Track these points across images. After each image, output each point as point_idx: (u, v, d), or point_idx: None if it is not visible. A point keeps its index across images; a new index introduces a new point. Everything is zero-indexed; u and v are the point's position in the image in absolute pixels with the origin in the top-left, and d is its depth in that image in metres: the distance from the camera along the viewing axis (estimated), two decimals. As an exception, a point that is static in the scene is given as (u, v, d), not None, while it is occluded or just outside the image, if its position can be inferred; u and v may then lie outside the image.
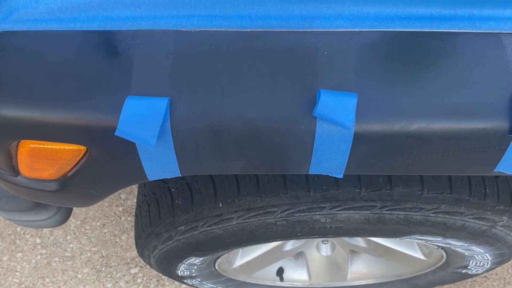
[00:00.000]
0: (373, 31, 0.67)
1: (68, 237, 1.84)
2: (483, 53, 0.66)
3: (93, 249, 1.82)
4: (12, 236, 1.84)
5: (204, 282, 1.39)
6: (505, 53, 0.66)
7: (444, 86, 0.64)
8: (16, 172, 0.76)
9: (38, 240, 1.83)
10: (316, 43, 0.66)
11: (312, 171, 0.71)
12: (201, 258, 1.15)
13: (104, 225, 1.87)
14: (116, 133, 0.62)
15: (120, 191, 1.94)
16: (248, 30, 0.67)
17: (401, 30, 0.67)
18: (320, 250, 1.44)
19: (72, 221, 1.87)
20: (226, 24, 0.67)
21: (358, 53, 0.66)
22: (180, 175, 0.72)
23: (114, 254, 1.81)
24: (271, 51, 0.66)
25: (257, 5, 0.67)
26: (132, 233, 1.85)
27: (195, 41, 0.66)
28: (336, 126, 0.63)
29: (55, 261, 1.79)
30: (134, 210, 1.91)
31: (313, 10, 0.67)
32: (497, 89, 0.64)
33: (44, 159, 0.72)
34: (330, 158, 0.68)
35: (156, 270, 1.31)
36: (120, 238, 1.84)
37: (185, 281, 1.37)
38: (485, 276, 1.75)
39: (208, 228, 0.99)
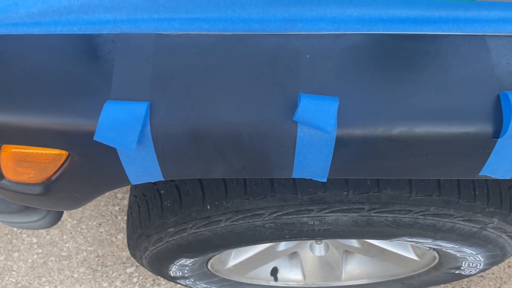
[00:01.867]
0: (356, 34, 0.66)
1: (65, 237, 1.85)
2: (468, 56, 0.65)
3: (89, 248, 1.82)
4: (9, 236, 1.84)
5: (198, 282, 1.39)
6: (490, 55, 0.65)
7: (427, 89, 0.64)
8: (0, 175, 0.76)
9: (35, 240, 1.84)
10: (299, 46, 0.66)
11: (295, 175, 0.71)
12: (192, 259, 1.15)
13: (100, 224, 1.87)
14: (95, 138, 0.61)
15: (116, 190, 1.94)
16: (230, 33, 0.66)
17: (385, 32, 0.67)
18: (314, 250, 1.44)
19: (68, 220, 1.87)
20: (207, 27, 0.66)
21: (341, 56, 0.65)
22: (163, 179, 0.71)
23: (110, 253, 1.81)
24: (253, 54, 0.65)
25: (238, 8, 0.67)
26: (126, 236, 1.85)
27: (176, 45, 0.66)
28: (317, 130, 0.63)
29: (52, 260, 1.80)
30: (130, 210, 1.91)
31: (295, 13, 0.66)
32: (481, 93, 0.64)
33: (27, 163, 0.71)
34: (312, 162, 0.67)
35: (149, 271, 1.31)
36: (116, 238, 1.85)
37: (178, 281, 1.37)
38: (481, 276, 1.74)
39: (197, 230, 0.98)
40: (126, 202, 1.93)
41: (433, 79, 0.64)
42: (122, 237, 1.85)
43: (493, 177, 0.70)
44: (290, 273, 1.54)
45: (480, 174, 0.70)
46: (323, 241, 1.40)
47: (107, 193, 1.94)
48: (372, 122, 0.63)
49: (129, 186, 1.95)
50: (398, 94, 0.63)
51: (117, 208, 1.91)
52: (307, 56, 0.65)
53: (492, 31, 0.67)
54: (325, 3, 0.67)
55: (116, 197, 1.93)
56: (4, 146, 0.69)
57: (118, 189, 1.95)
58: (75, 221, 1.88)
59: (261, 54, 0.65)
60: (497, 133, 0.63)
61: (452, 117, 0.63)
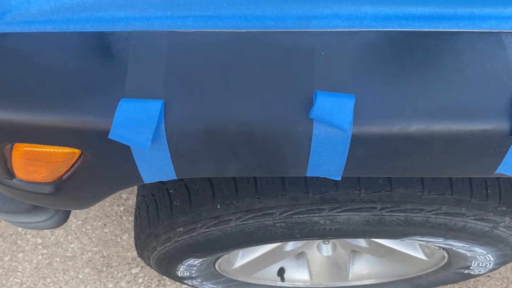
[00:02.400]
0: (371, 31, 0.66)
1: (69, 237, 1.84)
2: (483, 53, 0.65)
3: (94, 249, 1.81)
4: (14, 236, 1.84)
5: (205, 283, 1.38)
6: (506, 53, 0.65)
7: (443, 87, 0.63)
8: (11, 174, 0.75)
9: (39, 240, 1.83)
10: (313, 44, 0.65)
11: (310, 173, 0.70)
12: (201, 259, 1.15)
13: (105, 225, 1.87)
14: (110, 137, 0.61)
15: (121, 190, 1.94)
16: (244, 30, 0.66)
17: (400, 30, 0.66)
18: (321, 250, 1.43)
19: (73, 221, 1.87)
20: (221, 25, 0.66)
21: (356, 53, 0.65)
22: (176, 178, 0.71)
23: (115, 254, 1.81)
24: (267, 52, 0.65)
25: (252, 5, 0.66)
26: (133, 233, 1.84)
27: (190, 42, 0.65)
28: (333, 128, 0.62)
29: (56, 261, 1.79)
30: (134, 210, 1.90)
31: (310, 9, 0.66)
32: (498, 90, 0.63)
33: (39, 162, 0.71)
34: (327, 161, 0.67)
35: (156, 271, 1.30)
36: (121, 238, 1.84)
37: (186, 281, 1.36)
38: (488, 276, 1.74)
39: (207, 230, 0.98)
40: (131, 202, 1.92)
41: (449, 76, 0.64)
42: (127, 238, 1.84)
43: (509, 175, 0.70)
44: (297, 273, 1.53)
45: (496, 172, 0.69)
46: (331, 241, 1.39)
47: (112, 194, 1.93)
48: (389, 119, 0.62)
49: (135, 186, 1.94)
50: (415, 92, 0.63)
51: (122, 208, 1.91)
52: (322, 53, 0.65)
53: (508, 28, 0.66)
54: (339, 0, 0.66)
55: (121, 198, 1.93)
56: (16, 145, 0.69)
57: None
58: (80, 222, 1.87)
59: (275, 52, 0.65)
60: (514, 131, 0.63)
61: (468, 114, 0.63)
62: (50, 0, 0.66)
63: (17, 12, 0.66)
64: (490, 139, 0.64)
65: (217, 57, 0.65)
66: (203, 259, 1.14)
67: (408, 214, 0.91)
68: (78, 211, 1.90)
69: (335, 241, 1.37)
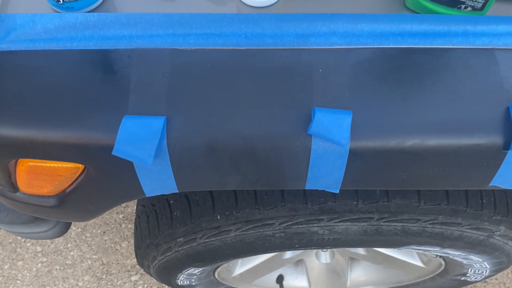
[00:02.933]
0: (367, 48, 0.68)
1: (69, 245, 1.85)
2: (477, 69, 0.67)
3: (94, 256, 1.82)
4: (13, 245, 1.84)
5: (204, 291, 1.40)
6: (499, 68, 0.67)
7: (438, 102, 0.65)
8: (15, 188, 0.77)
9: (39, 248, 1.84)
10: (311, 61, 0.67)
11: (309, 186, 0.72)
12: (201, 268, 1.16)
13: (104, 232, 1.87)
14: (113, 153, 0.62)
15: (120, 198, 1.95)
16: (244, 48, 0.68)
17: (395, 46, 0.68)
18: (320, 258, 1.45)
19: (72, 228, 1.88)
20: (222, 42, 0.68)
21: (353, 70, 0.66)
22: (178, 191, 0.72)
23: (114, 261, 1.81)
24: (267, 68, 0.66)
25: (252, 23, 0.68)
26: (133, 241, 1.85)
27: (191, 60, 0.67)
28: (331, 143, 0.64)
29: (56, 269, 1.80)
30: (134, 217, 1.91)
31: (307, 28, 0.68)
32: (491, 105, 0.65)
33: (43, 176, 0.72)
34: (326, 174, 0.68)
35: (156, 280, 1.31)
36: (120, 246, 1.85)
37: (185, 290, 1.37)
38: (485, 282, 1.75)
39: (207, 240, 0.99)
40: (130, 210, 1.93)
41: (444, 91, 0.65)
42: (126, 245, 1.85)
43: (502, 187, 0.72)
44: (295, 281, 1.55)
45: (490, 184, 0.71)
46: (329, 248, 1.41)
47: (111, 201, 1.94)
48: (385, 134, 0.64)
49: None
50: (410, 107, 0.65)
51: (121, 216, 1.92)
52: (320, 70, 0.66)
53: (501, 44, 0.68)
54: (336, 18, 0.68)
55: (120, 205, 1.94)
56: (20, 160, 0.70)
57: (122, 197, 1.95)
58: (79, 229, 1.88)
59: (274, 68, 0.67)
60: (507, 145, 0.64)
61: (463, 129, 0.64)
62: (54, 19, 0.68)
63: (22, 30, 0.67)
64: (484, 153, 0.65)
65: (218, 74, 0.66)
66: (203, 268, 1.15)
67: (405, 224, 0.93)
68: (77, 219, 1.90)
69: (334, 248, 1.39)
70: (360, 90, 0.65)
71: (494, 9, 0.71)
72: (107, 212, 1.91)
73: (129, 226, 1.90)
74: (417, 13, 0.71)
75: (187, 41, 0.67)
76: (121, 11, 0.70)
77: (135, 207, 1.93)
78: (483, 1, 0.66)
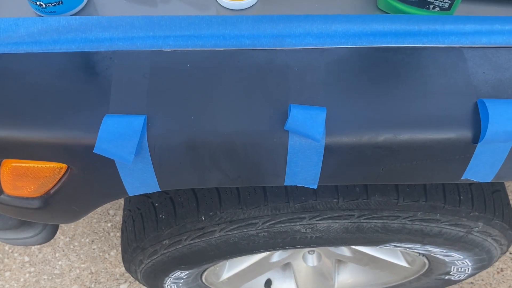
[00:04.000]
0: (341, 48, 0.70)
1: (57, 254, 1.84)
2: (446, 66, 0.70)
3: (82, 265, 1.82)
4: (0, 255, 1.83)
5: (192, 296, 1.40)
6: (467, 65, 0.70)
7: (409, 98, 0.67)
8: (-1, 190, 0.78)
9: (27, 258, 1.83)
10: (287, 60, 0.69)
11: (288, 182, 0.74)
12: (187, 272, 1.17)
13: (93, 241, 1.87)
14: (95, 151, 0.64)
15: (109, 206, 1.95)
16: (222, 49, 0.70)
17: (368, 46, 0.70)
18: (307, 261, 1.46)
19: (60, 238, 1.87)
20: (200, 44, 0.70)
21: (327, 68, 0.69)
22: (160, 190, 0.74)
23: (103, 270, 1.81)
24: (244, 68, 0.69)
25: (230, 25, 0.70)
26: (121, 250, 1.85)
27: (171, 60, 0.69)
28: (307, 139, 0.66)
29: (44, 279, 1.79)
30: (123, 226, 1.91)
31: (283, 29, 0.70)
32: (460, 100, 0.68)
33: (27, 177, 0.73)
34: (303, 170, 0.70)
35: (144, 285, 1.32)
36: (109, 254, 1.85)
37: (173, 295, 1.38)
38: (471, 282, 1.77)
39: (192, 242, 1.00)
40: (118, 218, 1.93)
41: (415, 88, 0.68)
42: (115, 254, 1.85)
43: (475, 180, 0.74)
44: (283, 285, 1.55)
45: (462, 178, 0.74)
46: (316, 251, 1.42)
47: (99, 210, 1.94)
48: (358, 130, 0.66)
49: (122, 201, 1.95)
50: (382, 103, 0.67)
51: (109, 224, 1.92)
52: (296, 69, 0.69)
53: (468, 43, 0.71)
54: (311, 20, 0.70)
55: (109, 214, 1.94)
56: (4, 161, 0.71)
57: (110, 205, 1.96)
58: (67, 239, 1.87)
59: (252, 68, 0.69)
60: (476, 138, 0.67)
61: (433, 123, 0.67)
62: (37, 22, 0.70)
63: (5, 34, 0.69)
64: (454, 147, 0.68)
65: (197, 74, 0.68)
66: (190, 271, 1.16)
67: (385, 221, 0.95)
68: (65, 227, 1.90)
69: (320, 251, 1.40)
70: (334, 88, 0.68)
71: (461, 10, 0.74)
72: (95, 221, 1.91)
73: (118, 234, 1.90)
74: (388, 13, 0.74)
75: (167, 42, 0.70)
76: (102, 15, 0.72)
77: (123, 216, 1.93)
78: (449, 1, 0.70)
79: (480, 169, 0.72)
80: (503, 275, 1.80)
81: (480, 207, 0.98)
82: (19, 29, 0.69)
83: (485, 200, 0.99)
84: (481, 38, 0.71)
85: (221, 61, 0.69)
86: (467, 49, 0.71)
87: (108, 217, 1.93)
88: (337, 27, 0.70)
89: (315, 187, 0.74)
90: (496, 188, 1.03)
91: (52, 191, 0.76)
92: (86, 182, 0.73)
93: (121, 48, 0.69)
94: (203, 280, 1.32)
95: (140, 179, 0.71)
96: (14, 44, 0.69)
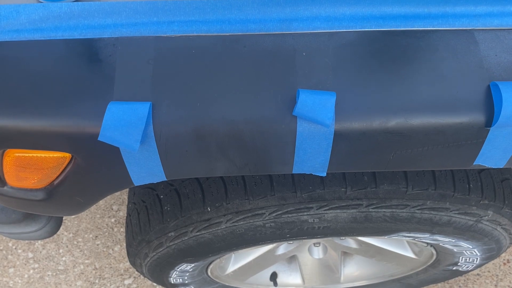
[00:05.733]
0: (349, 31, 0.69)
1: (61, 250, 1.83)
2: (457, 50, 0.68)
3: (86, 261, 1.81)
4: (4, 252, 1.82)
5: (198, 290, 1.39)
6: (478, 48, 0.68)
7: (420, 82, 0.66)
8: (2, 182, 0.76)
9: (31, 255, 1.82)
10: (295, 45, 0.68)
11: (296, 170, 0.72)
12: (193, 264, 1.15)
13: (96, 237, 1.86)
14: (99, 138, 0.62)
15: (112, 202, 1.94)
16: (228, 34, 0.68)
17: (377, 29, 0.69)
18: (313, 253, 1.45)
19: (64, 234, 1.86)
20: (205, 29, 0.68)
21: (336, 53, 0.67)
22: (166, 179, 0.73)
23: (107, 265, 1.80)
24: (251, 53, 0.67)
25: (235, 9, 0.69)
26: (125, 244, 1.84)
27: (175, 46, 0.67)
28: (316, 124, 0.64)
29: (48, 275, 1.78)
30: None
31: (290, 12, 0.69)
32: (472, 84, 0.66)
33: (30, 168, 0.72)
34: (312, 157, 0.69)
35: (149, 279, 1.30)
36: (113, 250, 1.84)
37: (179, 289, 1.37)
38: (477, 274, 1.76)
39: (198, 233, 0.99)
40: (121, 214, 1.92)
41: (425, 72, 0.66)
42: (119, 249, 1.84)
43: (487, 166, 0.72)
44: (289, 278, 1.54)
45: (474, 163, 0.72)
46: (321, 243, 1.41)
47: (102, 205, 1.93)
48: (369, 115, 0.65)
49: (126, 196, 1.94)
50: (393, 88, 0.65)
51: (113, 220, 1.91)
52: (303, 53, 0.67)
53: (480, 25, 0.69)
54: (319, 3, 0.69)
55: (112, 209, 1.93)
56: (7, 151, 0.70)
57: (114, 201, 1.95)
58: (71, 235, 1.87)
59: (259, 53, 0.67)
60: (489, 122, 0.65)
61: (445, 107, 0.65)
62: (38, 9, 0.68)
63: (6, 21, 0.67)
64: (467, 131, 0.66)
65: (202, 60, 0.67)
66: (195, 264, 1.15)
67: (393, 210, 0.93)
68: (69, 223, 1.89)
69: (326, 243, 1.39)
70: (343, 72, 0.66)
71: (472, -9, 0.72)
72: (99, 217, 1.90)
73: (121, 230, 1.89)
74: (397, -4, 0.72)
75: (171, 28, 0.68)
76: (105, 1, 0.70)
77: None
78: (460, -17, 0.68)
79: (493, 154, 0.70)
80: (509, 266, 1.78)
81: (489, 196, 0.96)
82: (20, 16, 0.68)
83: (494, 188, 0.97)
84: (493, 20, 0.69)
85: (227, 47, 0.67)
86: (478, 32, 0.69)
87: (112, 212, 1.92)
88: (345, 10, 0.69)
89: (324, 174, 0.72)
90: (505, 177, 1.02)
91: (56, 182, 0.75)
92: (90, 172, 0.72)
93: (125, 34, 0.68)
94: (209, 274, 1.31)
95: (146, 168, 0.69)
96: (15, 32, 0.68)
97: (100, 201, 1.93)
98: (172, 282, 1.28)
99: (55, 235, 1.84)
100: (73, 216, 1.91)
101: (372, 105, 0.65)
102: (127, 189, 1.91)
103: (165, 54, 0.67)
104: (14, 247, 1.84)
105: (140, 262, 1.17)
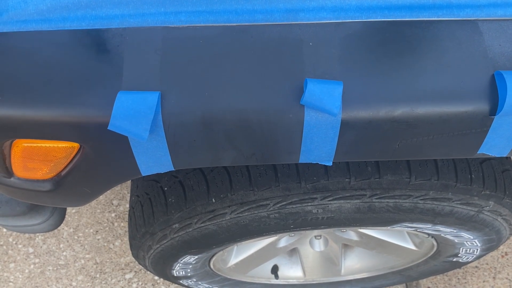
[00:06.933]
0: (355, 22, 0.69)
1: (61, 245, 1.84)
2: (462, 40, 0.69)
3: (87, 256, 1.81)
4: (4, 247, 1.82)
5: (200, 282, 1.40)
6: (483, 38, 0.69)
7: (425, 72, 0.67)
8: (9, 173, 0.77)
9: (31, 250, 1.82)
10: (301, 35, 0.68)
11: (302, 159, 0.73)
12: (196, 256, 1.16)
13: (97, 231, 1.87)
14: (109, 128, 0.63)
15: (112, 197, 1.94)
16: (235, 24, 0.69)
17: (383, 20, 0.70)
18: (314, 246, 1.46)
19: (64, 229, 1.87)
20: (213, 19, 0.69)
21: (342, 43, 0.68)
22: (173, 169, 0.73)
23: (108, 260, 1.81)
24: (258, 44, 0.68)
25: (242, -1, 0.69)
26: (126, 239, 1.85)
27: (183, 36, 0.68)
28: (323, 113, 0.65)
29: (49, 270, 1.79)
30: (127, 216, 1.91)
31: (297, 3, 0.69)
32: (476, 73, 0.67)
33: (38, 158, 0.72)
34: (319, 146, 0.70)
35: (152, 272, 1.31)
36: (113, 244, 1.84)
37: (181, 281, 1.37)
38: (476, 266, 1.78)
39: (202, 225, 1.00)
40: (122, 208, 1.93)
41: (430, 62, 0.67)
42: (119, 244, 1.84)
43: (490, 155, 0.73)
44: (290, 270, 1.55)
45: (478, 152, 0.73)
46: (322, 235, 1.42)
47: (103, 200, 1.94)
48: (375, 104, 0.65)
49: (126, 192, 1.95)
50: (399, 77, 0.66)
51: (113, 214, 1.91)
52: (310, 44, 0.68)
53: (484, 15, 0.70)
54: (325, -7, 0.69)
55: (112, 204, 1.93)
56: (16, 141, 0.70)
57: (114, 196, 1.95)
58: (71, 229, 1.87)
59: (265, 43, 0.68)
60: (493, 111, 0.66)
61: (450, 97, 0.66)
62: (46, 0, 0.68)
63: (14, 11, 0.68)
64: (471, 120, 0.67)
65: (210, 50, 0.67)
66: (199, 256, 1.16)
67: (397, 200, 0.94)
68: (69, 218, 1.89)
69: (327, 235, 1.40)
70: (350, 62, 0.67)
71: (476, -18, 0.73)
72: (99, 211, 1.90)
73: (122, 224, 1.89)
74: (402, -13, 0.73)
75: (178, 18, 0.68)
76: (112, -8, 0.70)
77: (127, 206, 1.93)
78: (465, -27, 0.69)
79: (497, 143, 0.71)
80: (507, 259, 1.80)
81: (491, 186, 0.97)
82: (28, 7, 0.68)
83: (495, 179, 0.99)
84: (497, 11, 0.70)
85: (234, 37, 0.68)
86: (483, 22, 0.70)
87: (112, 207, 1.92)
88: (351, 1, 0.69)
89: (330, 163, 0.73)
90: (506, 167, 1.03)
91: (63, 173, 0.75)
92: (98, 162, 0.73)
93: (132, 25, 0.68)
94: (211, 266, 1.31)
95: (154, 158, 0.70)
96: (23, 22, 0.68)
97: (100, 196, 1.93)
98: (175, 274, 1.28)
99: (55, 230, 1.84)
100: (74, 211, 1.91)
101: (378, 95, 0.66)
102: (128, 184, 1.91)
103: (172, 44, 0.67)
104: (14, 242, 1.84)
105: (144, 255, 1.18)
